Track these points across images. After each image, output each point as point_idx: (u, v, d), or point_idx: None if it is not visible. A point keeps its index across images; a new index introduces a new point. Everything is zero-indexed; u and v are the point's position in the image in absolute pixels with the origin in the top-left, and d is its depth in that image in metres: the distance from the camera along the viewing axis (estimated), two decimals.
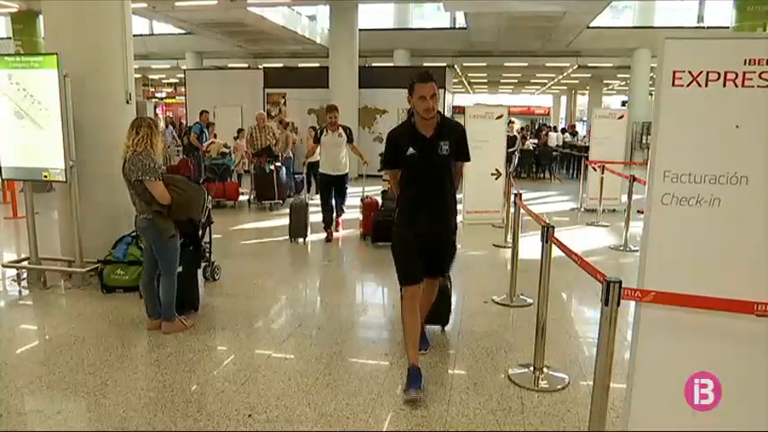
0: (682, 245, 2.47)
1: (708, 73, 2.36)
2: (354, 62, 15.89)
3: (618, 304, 2.39)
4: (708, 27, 19.08)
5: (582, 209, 10.88)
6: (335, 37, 16.13)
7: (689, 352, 2.49)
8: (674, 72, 2.40)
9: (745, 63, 2.35)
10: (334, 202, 8.14)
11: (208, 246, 5.68)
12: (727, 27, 13.32)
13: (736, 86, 2.37)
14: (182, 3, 15.01)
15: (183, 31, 20.77)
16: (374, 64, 22.03)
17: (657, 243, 2.51)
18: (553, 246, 3.69)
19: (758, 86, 2.35)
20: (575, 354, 4.20)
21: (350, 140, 7.90)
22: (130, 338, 4.39)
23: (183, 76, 19.74)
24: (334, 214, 8.22)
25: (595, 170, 10.15)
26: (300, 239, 8.04)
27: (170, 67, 27.52)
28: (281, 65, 24.71)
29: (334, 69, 15.69)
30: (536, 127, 29.82)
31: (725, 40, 2.52)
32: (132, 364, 3.92)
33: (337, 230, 8.42)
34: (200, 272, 5.03)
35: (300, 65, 24.30)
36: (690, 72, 2.39)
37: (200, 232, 5.32)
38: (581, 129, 26.55)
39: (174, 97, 33.03)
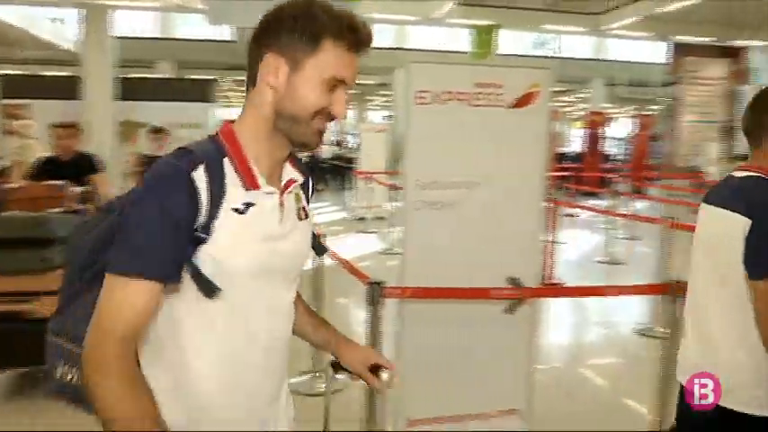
0: (433, 245, 2.78)
1: (445, 93, 2.71)
2: (110, 72, 14.67)
3: (381, 303, 2.60)
4: (453, 51, 21.58)
5: (352, 217, 11.49)
6: (88, 44, 14.72)
7: (449, 339, 2.82)
8: (418, 91, 2.70)
9: (475, 85, 2.74)
10: None
11: None
12: (466, 52, 15.27)
13: (470, 105, 2.75)
14: None
15: None
16: (136, 75, 20.59)
17: (414, 245, 2.79)
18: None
19: (486, 105, 2.76)
20: None
21: None
22: None
23: None
24: None
25: (362, 181, 10.83)
26: None
27: None
28: (23, 72, 21.74)
29: (88, 79, 14.31)
30: None
31: (459, 65, 2.92)
32: None
33: None
34: None
35: (46, 73, 21.65)
36: (431, 92, 2.71)
37: None
38: (351, 142, 28.05)
39: None
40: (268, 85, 1.13)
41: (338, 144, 25.29)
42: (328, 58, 1.12)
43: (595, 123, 16.47)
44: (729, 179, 1.87)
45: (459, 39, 20.81)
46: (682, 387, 1.90)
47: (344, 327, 5.08)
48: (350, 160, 16.88)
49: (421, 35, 24.36)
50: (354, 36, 1.13)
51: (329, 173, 19.33)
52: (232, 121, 1.21)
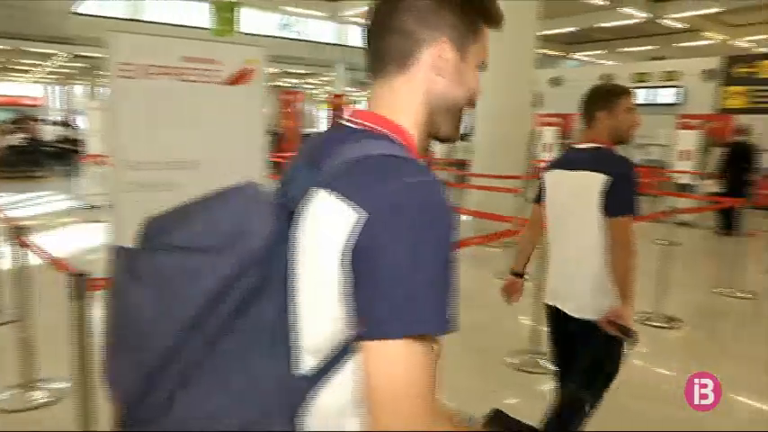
0: None
1: (152, 66, 2.53)
2: None
3: (88, 296, 2.36)
4: (196, 27, 20.50)
5: (83, 206, 10.31)
6: None
7: None
8: (121, 64, 2.48)
9: (184, 60, 2.61)
10: None
11: None
12: (208, 28, 14.64)
13: (181, 80, 2.61)
14: None
15: None
16: None
17: (126, 229, 2.57)
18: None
19: (199, 81, 2.65)
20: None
21: None
22: None
23: None
24: None
25: (94, 165, 9.78)
26: None
27: None
28: None
29: None
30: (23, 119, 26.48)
31: (164, 37, 2.75)
32: None
33: None
34: None
35: None
36: (136, 65, 2.50)
37: None
38: (81, 122, 25.00)
39: None
40: (438, 74, 0.94)
41: (64, 124, 22.30)
42: (483, 43, 0.99)
43: (338, 105, 17.27)
44: (575, 150, 2.42)
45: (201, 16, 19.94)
46: (549, 307, 2.44)
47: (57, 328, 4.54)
48: (78, 142, 15.14)
49: (162, 10, 22.77)
50: (500, 15, 1.00)
51: (54, 157, 17.06)
52: (359, 109, 1.01)
